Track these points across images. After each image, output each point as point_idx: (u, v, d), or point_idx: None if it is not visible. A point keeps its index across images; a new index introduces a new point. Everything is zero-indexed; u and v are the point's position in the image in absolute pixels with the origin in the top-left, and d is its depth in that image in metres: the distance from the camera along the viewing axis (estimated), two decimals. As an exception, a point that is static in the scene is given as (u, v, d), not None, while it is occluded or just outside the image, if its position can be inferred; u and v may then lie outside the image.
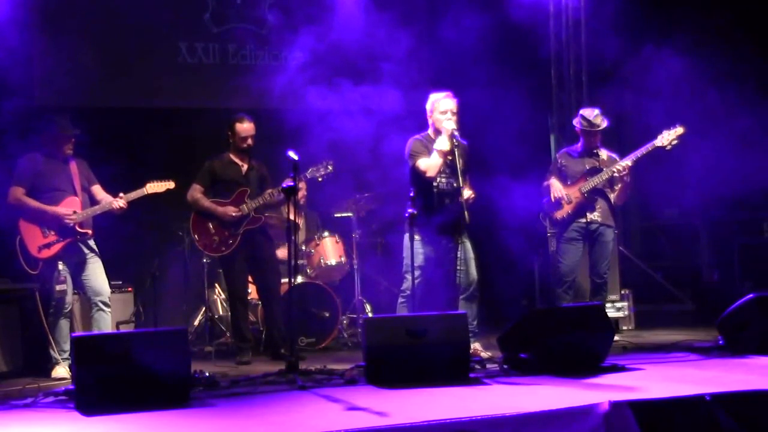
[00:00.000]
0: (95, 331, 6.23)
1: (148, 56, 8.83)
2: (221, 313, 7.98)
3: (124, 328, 7.28)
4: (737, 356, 5.93)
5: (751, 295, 6.18)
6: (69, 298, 6.31)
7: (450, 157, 6.24)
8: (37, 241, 6.21)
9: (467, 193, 6.34)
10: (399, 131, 6.73)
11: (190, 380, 4.91)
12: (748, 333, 6.00)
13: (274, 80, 8.21)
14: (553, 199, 7.12)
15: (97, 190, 6.54)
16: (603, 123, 7.15)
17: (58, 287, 6.16)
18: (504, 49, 9.17)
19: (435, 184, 6.35)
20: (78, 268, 6.35)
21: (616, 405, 4.12)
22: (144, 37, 8.74)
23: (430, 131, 6.48)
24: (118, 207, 6.37)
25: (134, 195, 6.47)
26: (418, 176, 6.34)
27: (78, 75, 8.39)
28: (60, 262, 6.21)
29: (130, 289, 7.72)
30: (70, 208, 6.29)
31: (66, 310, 6.30)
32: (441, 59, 8.79)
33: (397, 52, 7.80)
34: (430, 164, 6.29)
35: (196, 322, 7.91)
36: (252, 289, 7.29)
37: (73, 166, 6.42)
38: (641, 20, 9.14)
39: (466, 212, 6.08)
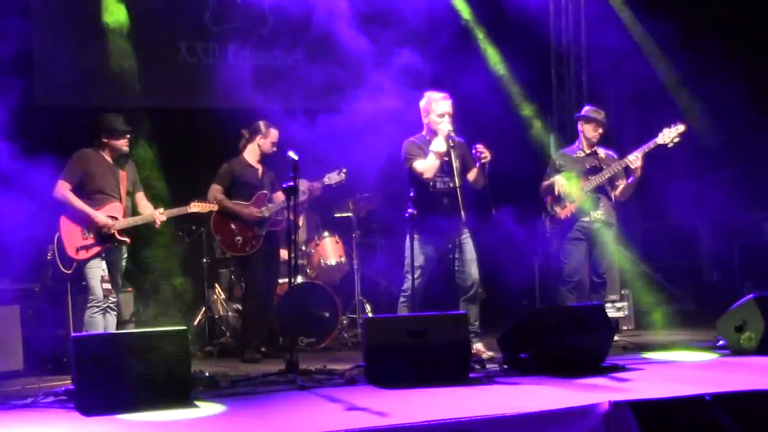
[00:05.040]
0: (95, 332, 6.22)
1: (148, 56, 8.82)
2: (221, 313, 7.97)
3: (124, 328, 7.27)
4: (737, 356, 5.94)
5: (751, 295, 6.18)
6: (114, 295, 6.27)
7: (446, 158, 6.26)
8: (76, 241, 6.16)
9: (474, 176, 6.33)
10: (399, 131, 6.73)
11: (190, 380, 4.91)
12: (747, 333, 6.00)
13: (274, 80, 8.21)
14: (557, 193, 7.03)
15: (140, 197, 6.51)
16: (605, 121, 7.17)
17: (104, 285, 6.14)
18: (504, 49, 9.18)
19: (431, 184, 6.36)
20: (109, 269, 6.32)
21: (616, 405, 4.12)
22: (144, 37, 8.74)
23: (425, 132, 6.50)
24: (159, 222, 6.38)
25: (176, 212, 6.51)
26: (415, 178, 6.36)
27: (78, 75, 8.38)
28: (103, 261, 6.19)
29: (129, 289, 7.71)
30: (112, 214, 6.25)
31: (106, 305, 6.20)
32: (440, 60, 8.79)
33: (396, 51, 7.80)
34: (426, 166, 6.30)
35: (196, 322, 7.91)
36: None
37: (124, 170, 6.38)
38: (641, 19, 9.15)
39: (462, 211, 6.09)
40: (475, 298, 6.40)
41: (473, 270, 6.40)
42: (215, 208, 6.79)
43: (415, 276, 6.30)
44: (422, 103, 6.49)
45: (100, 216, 6.17)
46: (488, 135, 7.80)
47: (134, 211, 6.42)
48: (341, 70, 8.15)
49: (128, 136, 6.36)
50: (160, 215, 6.37)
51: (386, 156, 7.05)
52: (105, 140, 6.31)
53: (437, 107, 6.38)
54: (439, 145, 6.27)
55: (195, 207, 6.60)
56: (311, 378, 5.48)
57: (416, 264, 6.30)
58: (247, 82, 8.42)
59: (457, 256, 6.32)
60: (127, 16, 8.37)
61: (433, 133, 6.37)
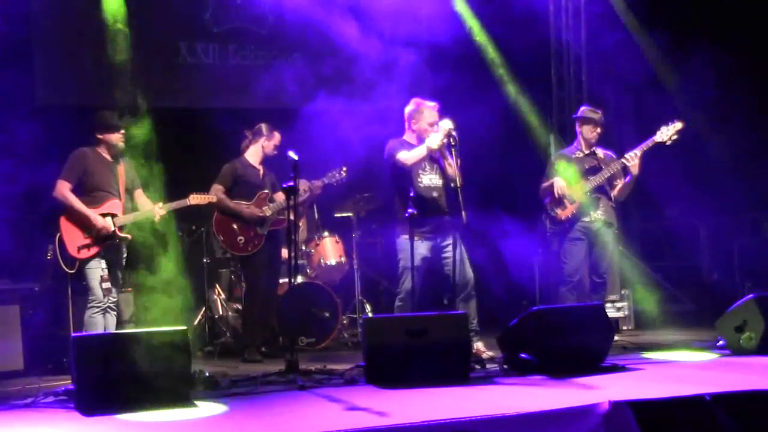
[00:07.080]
0: (95, 332, 6.21)
1: (148, 56, 8.82)
2: (221, 313, 7.98)
3: (124, 328, 7.27)
4: (737, 356, 5.94)
5: (751, 295, 6.19)
6: (114, 294, 6.27)
7: (437, 155, 6.26)
8: (77, 240, 6.15)
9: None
10: (399, 132, 6.73)
11: (190, 380, 4.91)
12: (747, 333, 6.00)
13: (274, 80, 8.21)
14: (556, 195, 7.03)
15: (139, 194, 6.50)
16: (603, 120, 7.16)
17: (104, 285, 6.13)
18: (504, 48, 9.18)
19: (423, 185, 6.35)
20: (109, 267, 6.32)
21: (616, 405, 4.12)
22: (144, 37, 8.74)
23: (406, 136, 6.50)
24: (159, 216, 6.37)
25: (175, 205, 6.50)
26: (399, 175, 6.33)
27: (78, 75, 8.38)
28: (103, 260, 6.19)
29: (129, 289, 7.71)
30: (111, 211, 6.24)
31: (106, 305, 6.20)
32: (441, 61, 8.80)
33: (397, 52, 7.81)
34: (410, 155, 6.29)
35: (196, 322, 7.91)
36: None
37: (122, 167, 6.38)
38: (641, 19, 9.15)
39: (463, 212, 6.08)
40: (471, 297, 6.40)
41: (467, 269, 6.40)
42: (214, 199, 6.82)
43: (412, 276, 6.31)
44: (409, 109, 6.50)
45: (99, 219, 6.16)
46: (488, 135, 7.84)
47: (134, 208, 6.42)
48: (341, 70, 8.15)
49: (122, 131, 6.36)
50: (159, 209, 6.37)
51: (386, 155, 7.04)
52: (100, 136, 6.31)
53: (429, 115, 6.39)
54: (434, 140, 6.25)
55: (194, 199, 6.60)
56: (311, 378, 5.47)
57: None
58: (246, 82, 8.42)
59: (451, 255, 6.31)
60: (127, 15, 8.38)
61: (420, 140, 6.36)
